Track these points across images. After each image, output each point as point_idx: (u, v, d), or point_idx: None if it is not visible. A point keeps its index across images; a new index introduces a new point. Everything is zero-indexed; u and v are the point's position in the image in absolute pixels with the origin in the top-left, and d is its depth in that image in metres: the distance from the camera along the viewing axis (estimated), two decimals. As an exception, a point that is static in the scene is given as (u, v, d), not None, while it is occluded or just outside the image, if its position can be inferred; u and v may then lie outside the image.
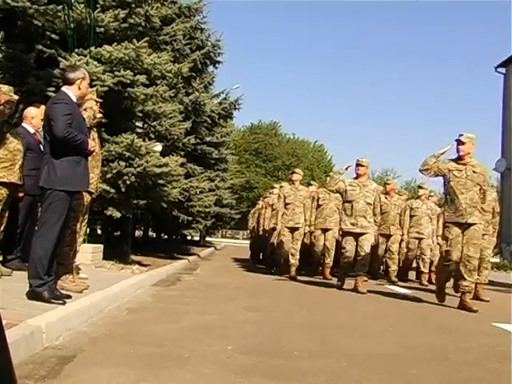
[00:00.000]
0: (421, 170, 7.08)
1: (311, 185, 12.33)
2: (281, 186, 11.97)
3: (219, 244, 29.99)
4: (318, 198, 10.69)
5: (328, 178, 9.94)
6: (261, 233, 14.23)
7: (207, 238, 29.27)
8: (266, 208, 13.38)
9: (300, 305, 6.58)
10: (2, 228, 5.66)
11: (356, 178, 8.50)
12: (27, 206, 6.18)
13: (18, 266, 5.89)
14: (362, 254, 8.25)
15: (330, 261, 10.47)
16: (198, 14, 13.66)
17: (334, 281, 9.13)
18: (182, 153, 12.17)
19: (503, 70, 24.65)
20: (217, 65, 14.49)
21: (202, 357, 3.39)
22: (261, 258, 15.50)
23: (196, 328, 4.40)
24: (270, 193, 13.90)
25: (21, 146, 5.70)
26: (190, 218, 13.60)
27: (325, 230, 10.60)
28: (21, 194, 5.96)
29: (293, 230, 10.27)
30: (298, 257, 10.08)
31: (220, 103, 15.36)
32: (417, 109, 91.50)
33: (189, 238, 23.28)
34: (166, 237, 19.91)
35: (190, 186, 12.06)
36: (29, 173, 5.75)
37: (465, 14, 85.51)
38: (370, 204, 8.33)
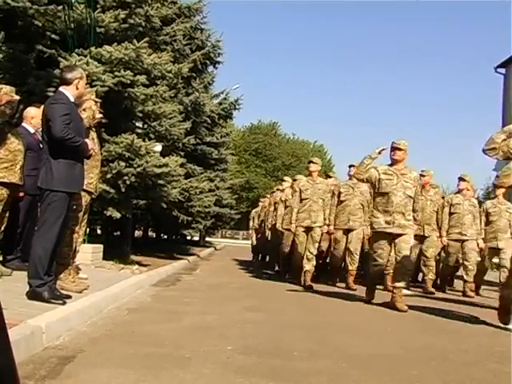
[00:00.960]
0: (484, 150, 5.45)
1: (330, 177, 10.55)
2: (294, 179, 10.42)
3: (219, 244, 30.01)
4: (340, 192, 9.04)
5: (353, 168, 8.54)
6: (267, 234, 12.62)
7: (207, 238, 29.28)
8: (275, 204, 11.69)
9: (300, 305, 6.58)
10: (3, 228, 5.67)
11: (391, 165, 6.79)
12: (27, 205, 6.18)
13: (18, 266, 5.89)
14: (402, 260, 6.54)
15: (353, 267, 8.86)
16: (198, 14, 13.67)
17: (358, 291, 8.08)
18: (182, 153, 12.17)
19: (503, 70, 24.65)
20: (217, 65, 14.49)
21: (202, 357, 3.40)
22: (267, 261, 14.24)
23: (196, 328, 4.40)
24: (278, 189, 12.49)
25: (21, 146, 5.70)
26: (190, 218, 13.60)
27: (348, 231, 8.97)
28: (21, 194, 5.96)
29: (309, 229, 8.73)
30: (314, 262, 8.61)
31: (220, 103, 15.37)
32: (416, 109, 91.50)
33: (188, 238, 23.29)
34: (165, 237, 19.92)
35: (189, 186, 12.07)
36: (29, 173, 5.75)
37: (465, 14, 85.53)
38: (410, 197, 6.67)
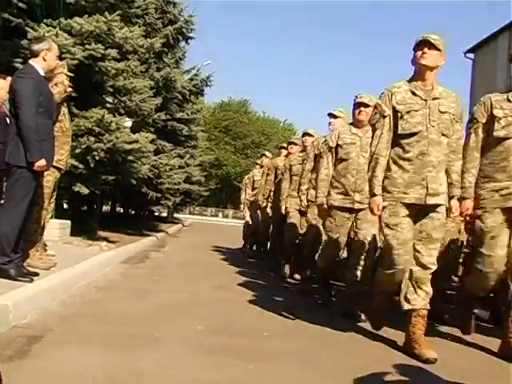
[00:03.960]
0: None
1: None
2: (355, 103, 4.99)
3: (186, 221, 29.90)
4: (494, 115, 3.90)
5: None
6: (290, 214, 6.99)
7: (175, 215, 29.13)
8: (316, 158, 5.97)
9: (273, 284, 6.57)
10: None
11: None
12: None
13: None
14: None
15: None
16: (170, -12, 13.41)
17: None
18: (152, 129, 12.00)
19: (472, 55, 24.89)
20: (189, 40, 14.29)
21: (172, 337, 3.40)
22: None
23: (166, 307, 4.39)
24: (306, 134, 6.92)
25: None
26: (159, 195, 13.49)
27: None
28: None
29: (416, 212, 3.67)
30: (430, 291, 3.63)
31: (191, 79, 15.18)
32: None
33: (156, 214, 23.14)
34: (133, 212, 19.75)
35: (159, 162, 11.93)
36: (-5, 146, 5.60)
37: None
38: None
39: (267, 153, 11.34)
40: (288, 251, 7.20)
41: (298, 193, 6.70)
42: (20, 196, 4.18)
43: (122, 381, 2.54)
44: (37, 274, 4.35)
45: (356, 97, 4.94)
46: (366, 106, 4.80)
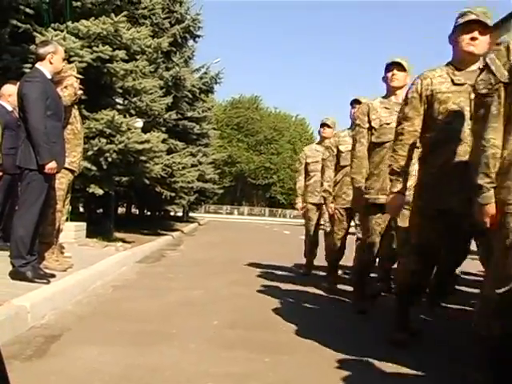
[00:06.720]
0: None
1: None
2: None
3: (202, 219, 30.00)
4: None
5: None
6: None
7: (190, 214, 29.24)
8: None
9: (288, 279, 6.57)
10: (-17, 208, 5.60)
11: None
12: (6, 185, 6.08)
13: (1, 246, 5.84)
14: None
15: None
16: (176, -13, 13.44)
17: None
18: (164, 129, 12.07)
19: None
20: (197, 39, 14.33)
21: (188, 332, 3.41)
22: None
23: (182, 304, 4.41)
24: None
25: (-1, 124, 5.60)
26: (173, 194, 13.55)
27: None
28: None
29: None
30: None
31: (201, 78, 15.24)
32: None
33: (172, 213, 23.25)
34: (148, 213, 19.87)
35: (172, 161, 11.99)
36: (7, 152, 5.66)
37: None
38: None
39: (362, 98, 5.39)
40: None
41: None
42: (33, 199, 4.23)
43: (138, 377, 2.56)
44: (53, 276, 4.40)
45: None
46: None
